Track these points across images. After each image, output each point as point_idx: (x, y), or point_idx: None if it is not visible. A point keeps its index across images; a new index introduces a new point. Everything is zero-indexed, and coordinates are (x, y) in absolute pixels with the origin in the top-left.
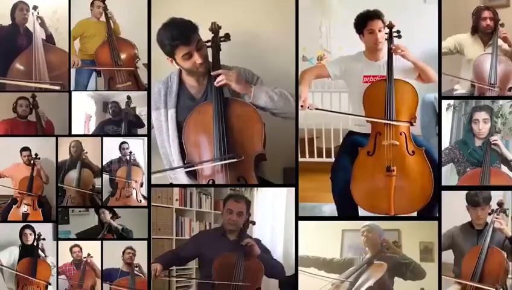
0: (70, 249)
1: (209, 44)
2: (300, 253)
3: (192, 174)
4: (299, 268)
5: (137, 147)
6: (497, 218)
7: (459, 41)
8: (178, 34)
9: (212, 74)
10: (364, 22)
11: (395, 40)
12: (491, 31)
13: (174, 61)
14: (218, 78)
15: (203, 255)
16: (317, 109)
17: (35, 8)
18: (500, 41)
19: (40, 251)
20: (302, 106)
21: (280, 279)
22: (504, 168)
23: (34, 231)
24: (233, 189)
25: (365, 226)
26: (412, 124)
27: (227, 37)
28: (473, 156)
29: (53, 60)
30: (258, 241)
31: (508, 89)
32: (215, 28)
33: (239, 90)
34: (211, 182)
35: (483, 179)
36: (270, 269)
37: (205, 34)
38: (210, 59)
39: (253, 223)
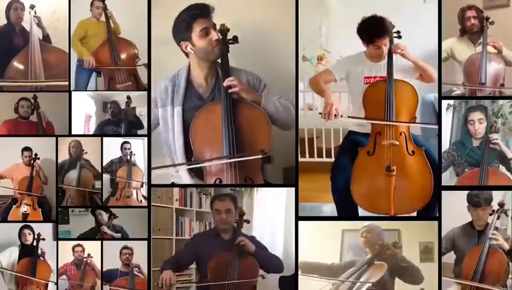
0: (73, 249)
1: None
2: (300, 259)
3: (196, 173)
4: (300, 274)
5: (137, 147)
6: (494, 234)
7: (449, 46)
8: (198, 9)
9: (224, 84)
10: (372, 38)
11: (395, 40)
12: (477, 29)
13: (188, 45)
14: (229, 83)
15: (199, 257)
16: (350, 117)
17: (32, 7)
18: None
19: (39, 252)
20: (327, 115)
21: (279, 273)
22: (502, 168)
23: (33, 231)
24: (233, 189)
25: (364, 227)
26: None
27: (235, 39)
28: (471, 157)
29: (50, 59)
30: (252, 238)
31: (500, 85)
32: (223, 30)
33: (249, 99)
34: (217, 181)
35: (482, 179)
36: (267, 264)
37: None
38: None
39: (248, 221)
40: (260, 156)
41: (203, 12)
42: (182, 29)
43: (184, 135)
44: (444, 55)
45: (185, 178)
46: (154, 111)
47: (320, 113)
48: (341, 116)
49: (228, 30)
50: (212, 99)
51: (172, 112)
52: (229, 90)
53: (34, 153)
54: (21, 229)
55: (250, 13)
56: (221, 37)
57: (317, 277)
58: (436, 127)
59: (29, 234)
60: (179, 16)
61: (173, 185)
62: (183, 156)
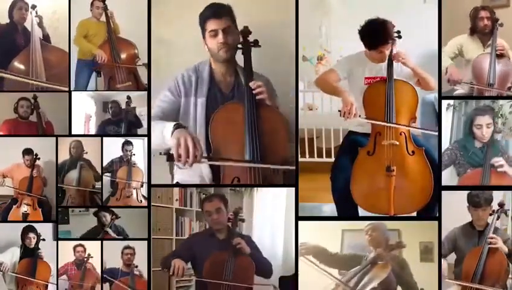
0: (74, 249)
1: (240, 46)
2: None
3: (215, 169)
4: (300, 258)
5: (137, 147)
6: (492, 238)
7: (459, 43)
8: (212, 8)
9: (250, 84)
10: (375, 44)
11: (396, 41)
12: (489, 30)
13: (205, 44)
14: (258, 90)
15: (196, 257)
16: (366, 118)
17: (33, 7)
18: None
19: (39, 252)
20: (347, 114)
21: (267, 278)
22: (507, 168)
23: (37, 235)
24: (233, 189)
25: (369, 225)
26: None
27: (256, 43)
28: (473, 159)
29: (51, 59)
30: (248, 238)
31: (507, 88)
32: (245, 32)
33: (271, 104)
34: (236, 181)
35: (484, 180)
36: (259, 266)
37: None
38: (242, 64)
39: (243, 220)
40: (288, 167)
41: (215, 13)
42: (200, 26)
43: (206, 127)
44: (454, 51)
45: (205, 171)
46: (177, 99)
47: (339, 111)
48: (359, 116)
49: (250, 33)
50: (233, 97)
51: (195, 102)
52: (257, 97)
53: (34, 153)
54: (26, 232)
55: (249, 13)
56: (242, 40)
57: (319, 270)
58: (436, 134)
59: (33, 238)
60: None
61: (173, 185)
62: (204, 147)
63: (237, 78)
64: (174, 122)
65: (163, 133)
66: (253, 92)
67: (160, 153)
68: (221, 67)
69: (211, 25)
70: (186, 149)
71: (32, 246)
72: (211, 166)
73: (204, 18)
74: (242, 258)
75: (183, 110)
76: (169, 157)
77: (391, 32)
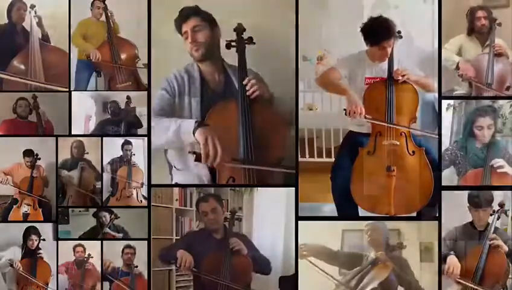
0: (74, 249)
1: (234, 44)
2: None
3: (211, 169)
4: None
5: (137, 147)
6: (492, 239)
7: (460, 43)
8: (181, 13)
9: (244, 83)
10: (378, 40)
11: (396, 41)
12: (486, 30)
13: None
14: (251, 88)
15: (194, 256)
16: (372, 118)
17: (32, 7)
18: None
19: (39, 252)
20: (352, 113)
21: (267, 274)
22: (507, 168)
23: (39, 236)
24: (233, 189)
25: (369, 225)
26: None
27: (250, 40)
28: (474, 160)
29: (50, 59)
30: (244, 237)
31: (506, 88)
32: (239, 30)
33: (268, 98)
34: (231, 180)
35: (485, 181)
36: (257, 264)
37: (230, 34)
38: (236, 62)
39: (240, 220)
40: (284, 170)
41: (183, 16)
42: (179, 33)
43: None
44: (456, 51)
45: (202, 171)
46: (172, 98)
47: (344, 110)
48: (365, 116)
49: (244, 30)
50: (225, 95)
51: (190, 102)
52: (252, 96)
53: (35, 154)
54: (28, 234)
55: (249, 13)
56: (236, 37)
57: (320, 270)
58: (437, 137)
59: (35, 240)
60: None
61: (173, 185)
62: None
63: (227, 76)
64: (194, 120)
65: (181, 129)
66: (247, 92)
67: (190, 152)
68: (206, 66)
69: (184, 27)
70: (215, 149)
71: (34, 247)
72: (208, 166)
73: (177, 25)
74: (240, 258)
75: (178, 109)
76: (198, 158)
77: (394, 28)
